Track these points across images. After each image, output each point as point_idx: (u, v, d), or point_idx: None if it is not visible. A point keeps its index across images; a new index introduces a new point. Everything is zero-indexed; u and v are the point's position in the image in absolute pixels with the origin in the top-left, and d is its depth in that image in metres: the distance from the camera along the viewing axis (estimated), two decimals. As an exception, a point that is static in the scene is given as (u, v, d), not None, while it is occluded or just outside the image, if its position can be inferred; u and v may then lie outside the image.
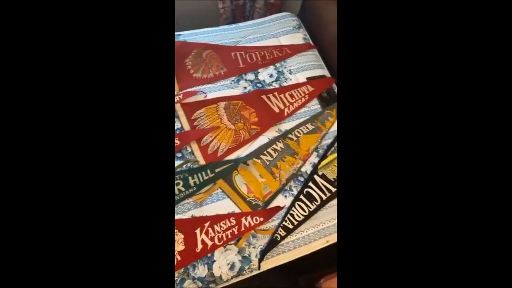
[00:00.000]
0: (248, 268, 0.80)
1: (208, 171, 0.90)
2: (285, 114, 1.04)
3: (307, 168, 0.95)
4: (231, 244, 0.81)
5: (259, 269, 0.80)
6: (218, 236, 0.81)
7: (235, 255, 0.80)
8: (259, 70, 1.12)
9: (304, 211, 0.87)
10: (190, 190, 0.86)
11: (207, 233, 0.81)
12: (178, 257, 0.77)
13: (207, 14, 1.44)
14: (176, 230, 0.80)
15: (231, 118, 1.01)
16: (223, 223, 0.83)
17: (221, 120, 1.00)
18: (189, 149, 0.93)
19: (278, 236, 0.83)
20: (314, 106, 1.07)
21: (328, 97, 1.10)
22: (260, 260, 0.80)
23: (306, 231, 0.85)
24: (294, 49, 1.17)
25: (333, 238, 0.86)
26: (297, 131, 1.01)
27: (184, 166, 0.90)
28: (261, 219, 0.84)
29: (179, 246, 0.78)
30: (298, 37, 1.21)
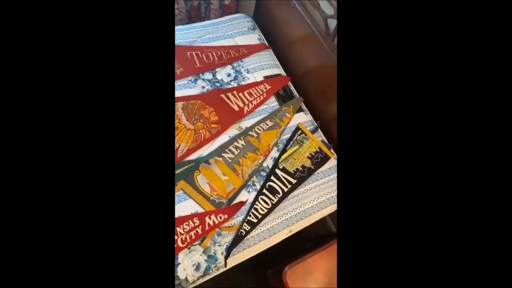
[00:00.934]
0: (215, 267, 0.79)
1: (168, 173, 0.87)
2: (245, 112, 1.06)
3: (269, 162, 0.98)
4: (195, 245, 0.79)
5: (225, 266, 0.80)
6: (182, 238, 0.79)
7: (200, 255, 0.78)
8: (217, 70, 1.12)
9: (268, 204, 0.90)
10: (149, 193, 0.82)
11: (169, 236, 0.78)
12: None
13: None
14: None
15: (190, 118, 0.99)
16: (186, 225, 0.81)
17: (180, 121, 0.98)
18: (146, 152, 0.89)
19: (243, 231, 0.84)
20: (272, 103, 1.11)
21: (284, 95, 1.15)
22: (226, 257, 0.80)
23: (270, 223, 0.87)
24: (250, 49, 1.20)
25: (296, 228, 0.90)
26: (257, 128, 1.04)
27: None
28: (225, 216, 0.84)
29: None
30: (253, 38, 1.24)
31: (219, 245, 0.81)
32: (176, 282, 0.75)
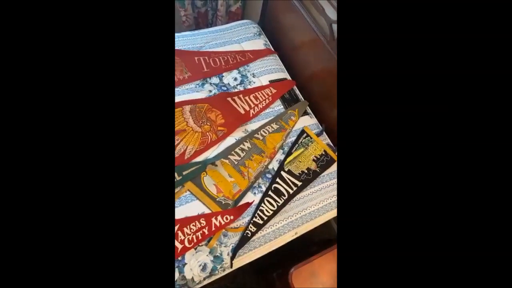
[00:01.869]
0: (221, 268, 0.79)
1: (176, 174, 0.89)
2: (251, 115, 1.08)
3: (274, 165, 0.99)
4: (202, 245, 0.80)
5: (231, 267, 0.80)
6: (188, 238, 0.80)
7: (207, 255, 0.79)
8: (224, 74, 1.14)
9: (273, 206, 0.90)
10: (157, 194, 0.84)
11: (176, 237, 0.79)
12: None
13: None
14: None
15: (197, 120, 1.01)
16: (192, 225, 0.82)
17: (187, 123, 1.00)
18: (154, 153, 0.91)
19: (249, 233, 0.85)
20: (277, 107, 1.12)
21: (289, 98, 1.16)
22: (232, 258, 0.80)
23: (276, 225, 0.88)
24: (256, 54, 1.23)
25: (301, 230, 0.90)
26: (263, 131, 1.05)
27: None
28: (231, 217, 0.85)
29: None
30: (259, 43, 1.27)
31: (225, 246, 0.81)
32: (183, 282, 0.75)
